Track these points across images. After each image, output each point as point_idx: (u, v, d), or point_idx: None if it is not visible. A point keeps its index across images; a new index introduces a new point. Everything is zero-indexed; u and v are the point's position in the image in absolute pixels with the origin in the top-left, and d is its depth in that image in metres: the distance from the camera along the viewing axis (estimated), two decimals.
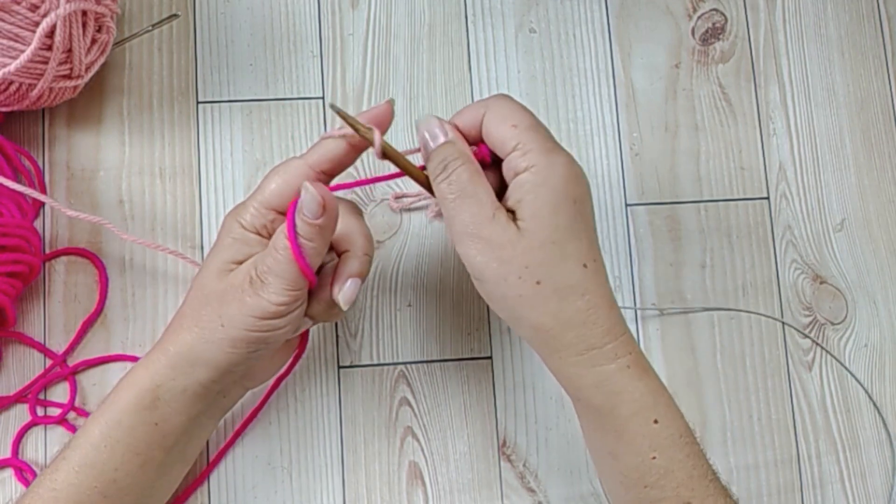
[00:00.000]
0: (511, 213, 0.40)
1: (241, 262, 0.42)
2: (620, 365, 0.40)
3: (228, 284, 0.41)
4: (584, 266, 0.39)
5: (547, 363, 0.41)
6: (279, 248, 0.40)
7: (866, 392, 0.56)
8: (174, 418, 0.42)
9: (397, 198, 0.54)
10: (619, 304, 0.55)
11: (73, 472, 0.41)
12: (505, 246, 0.39)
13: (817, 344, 0.56)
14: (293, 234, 0.40)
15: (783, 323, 0.56)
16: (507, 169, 0.40)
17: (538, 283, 0.39)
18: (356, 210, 0.44)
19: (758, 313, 0.56)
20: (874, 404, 0.56)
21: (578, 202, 0.40)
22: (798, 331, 0.56)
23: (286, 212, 0.41)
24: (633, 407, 0.40)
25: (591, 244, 0.40)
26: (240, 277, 0.41)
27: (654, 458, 0.39)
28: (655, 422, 0.39)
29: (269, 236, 0.42)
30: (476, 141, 0.42)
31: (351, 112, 0.55)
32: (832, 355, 0.56)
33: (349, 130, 0.42)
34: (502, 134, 0.40)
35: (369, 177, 0.47)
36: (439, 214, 0.54)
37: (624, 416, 0.40)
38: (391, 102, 0.42)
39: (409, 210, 0.55)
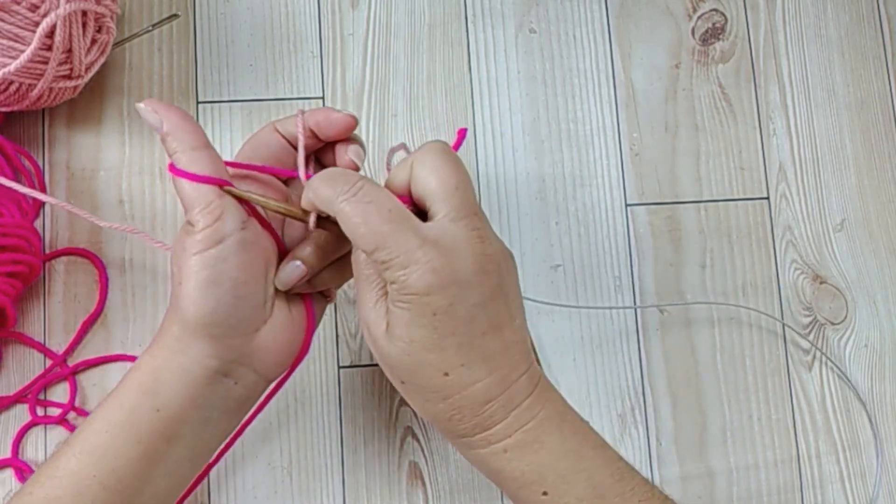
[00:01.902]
0: None
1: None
2: (495, 450, 0.40)
3: (175, 247, 0.41)
4: (445, 374, 0.39)
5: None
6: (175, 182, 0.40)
7: (859, 398, 0.56)
8: (176, 403, 0.40)
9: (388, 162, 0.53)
10: (619, 303, 0.55)
11: (73, 458, 0.39)
12: (377, 341, 0.39)
13: (815, 347, 0.56)
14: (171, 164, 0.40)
15: (783, 324, 0.56)
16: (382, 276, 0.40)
17: (402, 382, 0.40)
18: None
19: (757, 310, 0.56)
20: (864, 407, 0.56)
21: (441, 313, 0.38)
22: (797, 332, 0.56)
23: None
24: (515, 484, 0.40)
25: (459, 350, 0.38)
26: (179, 235, 0.40)
27: None
28: (545, 493, 0.40)
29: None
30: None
31: (352, 108, 0.55)
32: (829, 359, 0.56)
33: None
34: (357, 254, 0.40)
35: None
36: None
37: (510, 490, 0.41)
38: (355, 119, 0.43)
39: None
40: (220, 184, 0.40)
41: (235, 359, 0.42)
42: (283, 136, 0.44)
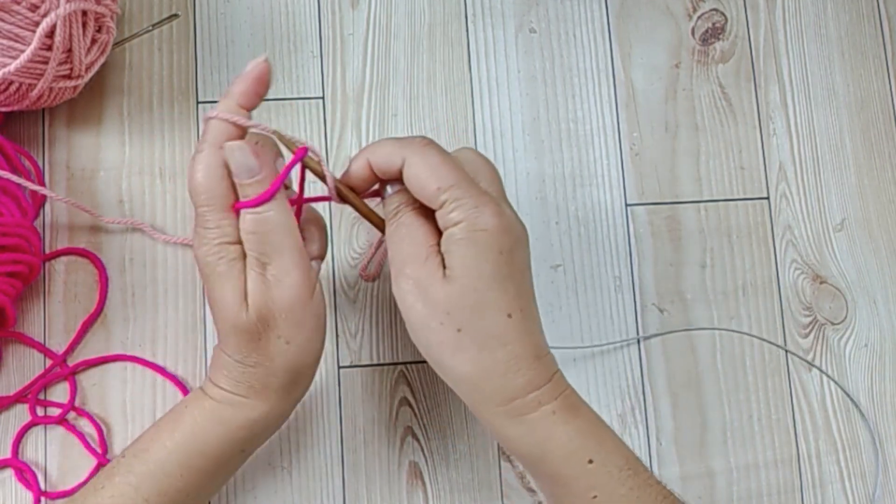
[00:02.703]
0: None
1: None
2: (545, 412, 0.40)
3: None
4: (509, 316, 0.39)
5: (476, 414, 0.42)
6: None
7: (853, 402, 0.56)
8: (262, 440, 0.43)
9: (365, 268, 0.54)
10: (617, 303, 0.55)
11: (141, 501, 0.40)
12: (430, 289, 0.39)
13: (819, 369, 0.56)
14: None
15: (786, 351, 0.56)
16: (439, 220, 0.41)
17: (459, 330, 0.39)
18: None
19: (760, 338, 0.56)
20: (859, 410, 0.56)
21: (506, 253, 0.40)
22: (801, 358, 0.56)
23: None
24: (563, 452, 0.40)
25: (518, 294, 0.40)
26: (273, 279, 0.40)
27: (594, 496, 0.40)
28: (590, 462, 0.40)
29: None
30: (392, 178, 0.42)
31: (352, 108, 0.55)
32: (830, 377, 0.56)
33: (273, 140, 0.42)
34: (427, 196, 0.40)
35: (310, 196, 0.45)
36: (370, 275, 0.54)
37: (556, 461, 0.40)
38: (267, 62, 0.42)
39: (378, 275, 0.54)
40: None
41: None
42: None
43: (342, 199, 0.43)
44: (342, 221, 0.55)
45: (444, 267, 0.40)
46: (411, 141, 0.41)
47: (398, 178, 0.41)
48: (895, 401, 0.56)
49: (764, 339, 0.56)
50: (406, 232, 0.41)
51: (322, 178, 0.42)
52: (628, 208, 0.57)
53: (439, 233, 0.41)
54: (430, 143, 0.41)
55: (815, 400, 0.56)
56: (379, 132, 0.56)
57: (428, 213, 0.41)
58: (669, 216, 0.57)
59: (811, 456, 0.55)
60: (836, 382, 0.56)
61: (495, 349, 0.39)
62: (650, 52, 0.59)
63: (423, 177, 0.40)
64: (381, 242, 0.53)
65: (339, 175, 0.43)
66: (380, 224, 0.44)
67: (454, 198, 0.39)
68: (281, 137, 0.42)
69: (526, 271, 0.41)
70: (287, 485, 0.52)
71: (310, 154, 0.42)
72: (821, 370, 0.56)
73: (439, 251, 0.40)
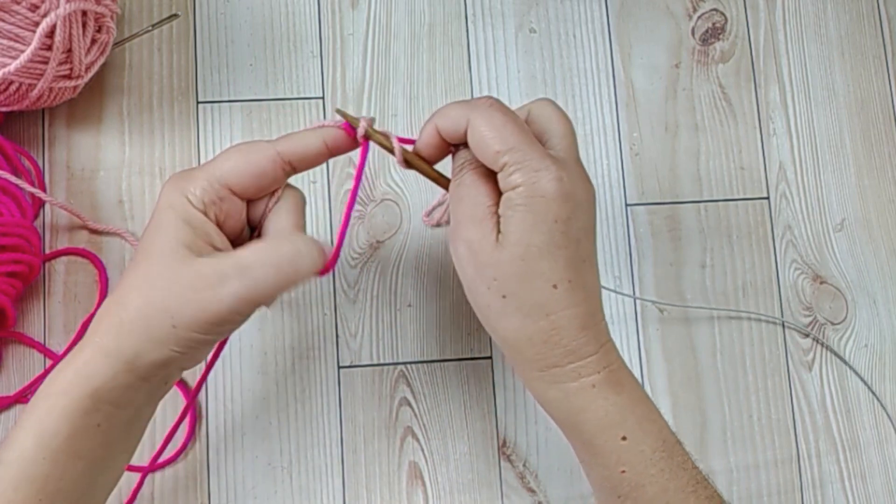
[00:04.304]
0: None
1: (191, 248, 0.39)
2: (584, 384, 0.40)
3: (185, 281, 0.38)
4: (554, 286, 0.39)
5: (517, 373, 0.42)
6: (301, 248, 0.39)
7: (866, 385, 0.56)
8: (117, 416, 0.39)
9: (429, 214, 0.55)
10: (617, 303, 0.55)
11: (11, 490, 0.38)
12: (481, 252, 0.39)
13: (817, 341, 0.56)
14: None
15: (783, 323, 0.56)
16: (500, 182, 0.40)
17: (504, 297, 0.39)
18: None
19: (758, 314, 0.56)
20: (874, 395, 0.56)
21: (562, 221, 0.39)
22: (796, 330, 0.56)
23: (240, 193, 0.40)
24: (597, 424, 0.40)
25: (568, 264, 0.39)
26: (203, 274, 0.38)
27: (623, 472, 0.40)
28: (623, 438, 0.39)
29: (216, 219, 0.40)
30: (459, 142, 0.42)
31: (352, 108, 0.55)
32: (831, 349, 0.56)
33: (332, 131, 0.41)
34: (488, 158, 0.40)
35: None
36: (432, 221, 0.55)
37: (589, 432, 0.40)
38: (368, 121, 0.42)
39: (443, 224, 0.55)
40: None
41: (180, 368, 0.42)
42: (288, 163, 0.41)
43: (408, 164, 0.43)
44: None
45: (500, 231, 0.39)
46: (477, 102, 0.41)
47: (465, 143, 0.41)
48: (895, 401, 0.56)
49: (762, 317, 0.56)
50: (466, 192, 0.41)
51: (389, 149, 0.42)
52: (628, 208, 0.57)
53: (500, 194, 0.40)
54: (495, 103, 0.41)
55: (815, 400, 0.56)
56: None
57: (490, 174, 0.41)
58: (669, 216, 0.57)
59: (811, 456, 0.55)
60: (842, 359, 0.56)
61: (538, 318, 0.39)
62: (650, 52, 0.59)
63: (485, 138, 0.39)
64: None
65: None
66: (445, 184, 0.44)
67: (514, 161, 0.39)
68: (345, 115, 0.42)
69: (583, 240, 0.40)
70: (287, 485, 0.52)
71: (373, 127, 0.42)
72: (823, 343, 0.56)
73: (496, 213, 0.40)
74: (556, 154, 0.41)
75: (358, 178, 0.43)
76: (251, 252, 0.39)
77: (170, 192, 0.40)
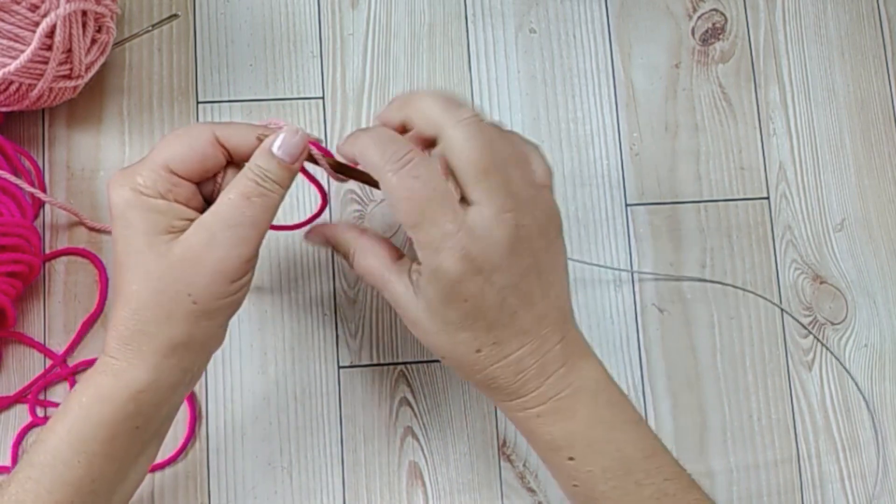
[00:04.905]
0: None
1: (169, 231, 0.39)
2: (529, 415, 0.41)
3: (180, 258, 0.38)
4: (478, 351, 0.40)
5: None
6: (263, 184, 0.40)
7: (858, 389, 0.56)
8: (156, 415, 0.40)
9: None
10: (617, 303, 0.55)
11: (45, 493, 0.38)
12: (407, 311, 0.41)
13: (816, 338, 0.56)
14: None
15: (781, 309, 0.56)
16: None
17: (443, 357, 0.42)
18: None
19: (755, 293, 0.56)
20: (865, 400, 0.56)
21: (473, 297, 0.38)
22: (796, 320, 0.56)
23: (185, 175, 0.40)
24: (544, 447, 0.42)
25: (489, 330, 0.39)
26: (195, 243, 0.39)
27: (574, 485, 0.41)
28: (570, 458, 0.41)
29: (177, 201, 0.40)
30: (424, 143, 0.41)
31: (352, 108, 0.55)
32: (828, 349, 0.56)
33: (268, 132, 0.41)
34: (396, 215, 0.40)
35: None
36: None
37: (539, 450, 0.42)
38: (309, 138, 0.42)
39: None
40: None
41: (210, 353, 0.43)
42: (225, 149, 0.41)
43: (340, 172, 0.43)
44: (342, 221, 0.55)
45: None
46: (393, 158, 0.38)
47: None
48: (895, 401, 0.56)
49: (761, 296, 0.56)
50: (370, 245, 0.43)
51: (314, 160, 0.42)
52: (628, 208, 0.57)
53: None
54: (412, 160, 0.38)
55: (815, 400, 0.56)
56: None
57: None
58: (669, 216, 0.57)
59: (811, 456, 0.55)
60: (834, 356, 0.56)
61: (474, 374, 0.41)
62: (650, 52, 0.59)
63: (396, 210, 0.39)
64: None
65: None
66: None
67: (419, 239, 0.38)
68: (262, 129, 0.41)
69: (511, 291, 0.39)
70: (287, 485, 0.52)
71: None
72: (819, 339, 0.56)
73: (407, 268, 0.41)
74: (475, 209, 0.38)
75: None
76: (219, 200, 0.39)
77: (121, 192, 0.39)
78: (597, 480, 0.40)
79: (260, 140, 0.40)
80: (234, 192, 0.39)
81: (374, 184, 0.42)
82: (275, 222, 0.41)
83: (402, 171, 0.38)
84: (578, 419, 0.41)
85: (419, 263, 0.39)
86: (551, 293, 0.41)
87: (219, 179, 0.42)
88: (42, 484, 0.38)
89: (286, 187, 0.41)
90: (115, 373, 0.39)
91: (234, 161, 0.42)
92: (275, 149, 0.40)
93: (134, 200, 0.39)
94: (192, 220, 0.40)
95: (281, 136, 0.40)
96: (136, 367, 0.39)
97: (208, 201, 0.41)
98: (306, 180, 0.48)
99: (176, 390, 0.41)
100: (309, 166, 0.44)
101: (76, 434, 0.38)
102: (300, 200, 0.54)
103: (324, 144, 0.55)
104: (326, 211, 0.55)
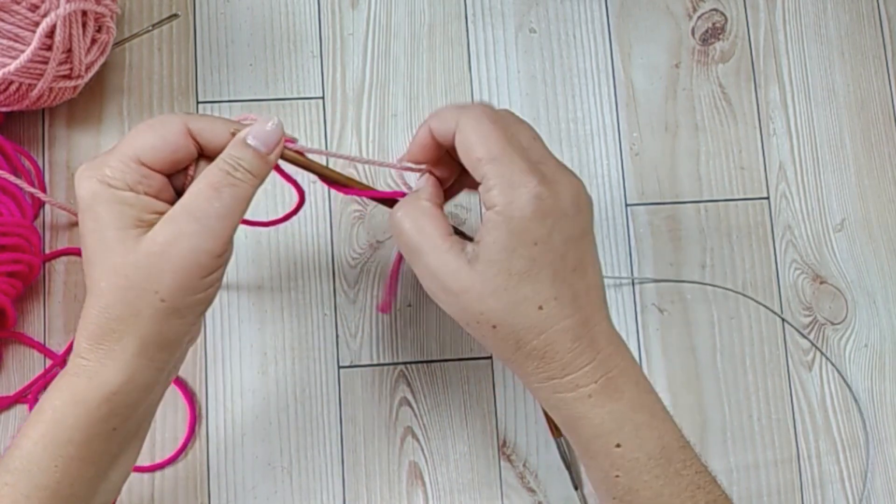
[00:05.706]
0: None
1: (138, 225, 0.38)
2: (581, 394, 0.40)
3: (146, 252, 0.37)
4: (540, 308, 0.39)
5: (520, 378, 0.43)
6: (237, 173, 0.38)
7: (851, 392, 0.56)
8: (133, 416, 0.39)
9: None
10: (617, 303, 0.55)
11: (23, 498, 0.37)
12: (456, 283, 0.39)
13: (815, 347, 0.56)
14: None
15: (782, 319, 0.56)
16: (481, 197, 0.40)
17: (494, 327, 0.39)
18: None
19: (755, 300, 0.56)
20: (858, 406, 0.56)
21: (541, 242, 0.39)
22: (796, 329, 0.56)
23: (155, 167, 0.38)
24: (592, 431, 0.40)
25: (553, 282, 0.39)
26: (161, 237, 0.37)
27: (616, 476, 0.40)
28: (618, 446, 0.40)
29: (147, 193, 0.38)
30: (449, 144, 0.41)
31: (352, 108, 0.55)
32: (826, 357, 0.56)
33: (240, 127, 0.40)
34: (470, 164, 0.40)
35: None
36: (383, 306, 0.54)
37: (585, 438, 0.41)
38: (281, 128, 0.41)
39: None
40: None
41: (185, 349, 0.42)
42: (197, 142, 0.40)
43: (298, 165, 0.42)
44: (342, 221, 0.55)
45: (471, 252, 0.39)
46: (470, 107, 0.41)
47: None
48: (895, 401, 0.56)
49: (760, 303, 0.56)
50: (426, 221, 0.41)
51: (299, 165, 0.42)
52: (628, 208, 0.57)
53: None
54: (487, 110, 0.40)
55: (815, 400, 0.56)
56: (379, 132, 0.56)
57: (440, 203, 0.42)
58: (669, 216, 0.57)
59: (811, 456, 0.55)
60: (831, 363, 0.56)
61: (531, 339, 0.39)
62: (650, 52, 0.59)
63: (470, 143, 0.39)
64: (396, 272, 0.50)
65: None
66: (343, 182, 0.43)
67: (494, 173, 0.38)
68: (236, 125, 0.40)
69: (570, 250, 0.40)
70: (287, 485, 0.52)
71: (286, 145, 0.41)
72: (816, 346, 0.56)
73: (456, 239, 0.40)
74: (538, 161, 0.40)
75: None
76: (188, 191, 0.38)
77: (88, 184, 0.38)
78: (641, 469, 0.40)
79: (233, 135, 0.40)
80: (203, 182, 0.38)
81: (341, 187, 0.43)
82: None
83: (483, 113, 0.40)
84: (626, 400, 0.40)
85: (475, 241, 0.39)
86: (596, 269, 0.41)
87: (190, 171, 0.40)
88: (18, 489, 0.37)
89: (260, 178, 0.39)
90: (88, 374, 0.38)
91: (206, 156, 0.40)
92: (249, 138, 0.39)
93: (102, 193, 0.38)
94: (162, 214, 0.38)
95: (256, 126, 0.39)
96: (108, 368, 0.38)
97: (180, 194, 0.40)
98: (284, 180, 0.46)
99: (151, 389, 0.39)
100: (287, 166, 0.43)
101: (51, 439, 0.37)
102: (277, 200, 0.54)
103: (324, 144, 0.55)
104: (326, 208, 0.55)
